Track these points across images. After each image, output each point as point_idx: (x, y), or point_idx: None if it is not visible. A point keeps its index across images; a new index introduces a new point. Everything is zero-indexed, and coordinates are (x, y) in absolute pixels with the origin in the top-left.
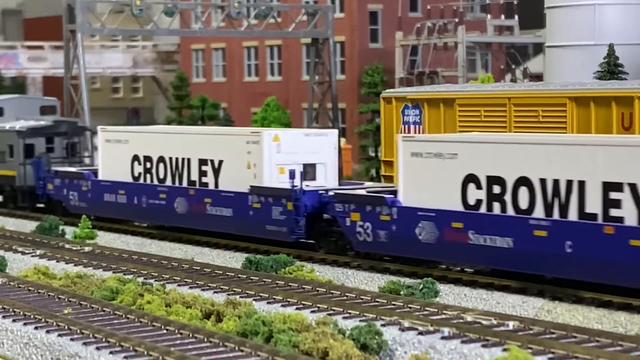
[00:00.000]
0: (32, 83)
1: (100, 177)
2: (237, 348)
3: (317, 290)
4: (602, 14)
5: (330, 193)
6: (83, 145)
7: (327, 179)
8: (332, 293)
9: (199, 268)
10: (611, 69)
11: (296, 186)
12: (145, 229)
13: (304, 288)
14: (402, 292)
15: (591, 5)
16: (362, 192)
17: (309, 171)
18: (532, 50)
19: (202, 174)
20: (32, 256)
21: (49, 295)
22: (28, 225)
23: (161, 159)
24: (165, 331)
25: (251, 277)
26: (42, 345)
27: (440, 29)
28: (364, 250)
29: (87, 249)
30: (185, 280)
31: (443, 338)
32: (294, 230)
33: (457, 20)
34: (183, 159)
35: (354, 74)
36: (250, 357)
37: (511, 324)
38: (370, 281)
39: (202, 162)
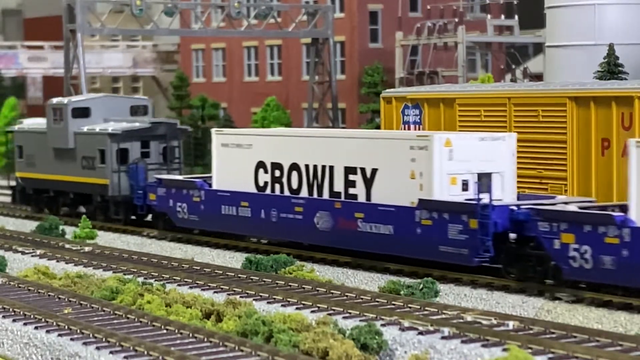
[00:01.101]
0: (32, 83)
1: (216, 186)
2: (237, 348)
3: (317, 290)
4: (602, 14)
5: (527, 208)
6: (180, 149)
7: (504, 191)
8: (332, 293)
9: (199, 268)
10: (611, 69)
11: (482, 199)
12: (145, 229)
13: (304, 288)
14: (402, 292)
15: (591, 5)
16: (575, 207)
17: (483, 182)
18: (532, 50)
19: (349, 184)
20: (32, 256)
21: (49, 295)
22: (28, 225)
23: (294, 167)
24: (165, 331)
25: (251, 277)
26: (42, 345)
27: (440, 29)
28: (579, 279)
29: (87, 249)
30: (185, 280)
31: (443, 338)
32: (478, 252)
33: (457, 20)
34: (324, 167)
35: (354, 74)
36: (250, 357)
37: (511, 324)
38: (370, 281)
39: (350, 170)
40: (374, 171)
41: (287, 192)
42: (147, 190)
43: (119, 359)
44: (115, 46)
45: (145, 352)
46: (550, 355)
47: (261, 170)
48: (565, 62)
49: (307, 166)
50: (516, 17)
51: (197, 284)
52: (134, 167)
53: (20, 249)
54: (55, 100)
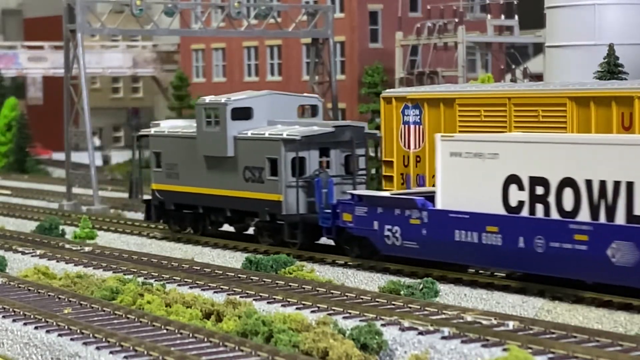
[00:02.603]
0: (32, 83)
1: (443, 205)
2: (237, 348)
3: (317, 290)
4: (602, 14)
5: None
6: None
7: None
8: (332, 293)
9: (199, 268)
10: (611, 69)
11: None
12: (145, 229)
13: (304, 288)
14: (402, 292)
15: (591, 5)
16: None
17: None
18: (532, 50)
19: None
20: (32, 256)
21: (49, 295)
22: (28, 225)
23: (568, 182)
24: (165, 331)
25: (251, 277)
26: (42, 345)
27: (440, 29)
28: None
29: (87, 249)
30: (185, 280)
31: (443, 338)
32: None
33: (457, 20)
34: (617, 184)
35: (354, 74)
36: (250, 357)
37: (511, 324)
38: (370, 281)
39: None
40: None
41: (555, 215)
42: (340, 210)
43: (119, 359)
44: (115, 46)
45: (145, 352)
46: (550, 355)
47: (513, 187)
48: (565, 62)
49: (589, 182)
50: (516, 17)
51: (197, 284)
52: (318, 180)
53: (20, 249)
54: (207, 98)
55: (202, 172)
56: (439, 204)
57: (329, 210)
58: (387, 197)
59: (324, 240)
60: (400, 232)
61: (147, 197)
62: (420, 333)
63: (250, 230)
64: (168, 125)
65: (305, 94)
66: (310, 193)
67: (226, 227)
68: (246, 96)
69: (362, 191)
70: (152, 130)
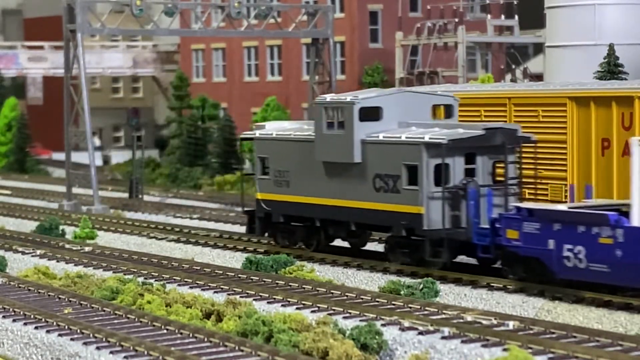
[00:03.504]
0: (32, 83)
1: None
2: (237, 348)
3: (317, 290)
4: (602, 14)
5: None
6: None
7: None
8: (332, 293)
9: (199, 268)
10: (611, 69)
11: None
12: (145, 229)
13: (304, 288)
14: (402, 292)
15: (591, 5)
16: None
17: None
18: (532, 50)
19: None
20: (32, 256)
21: (49, 295)
22: (28, 225)
23: None
24: (165, 331)
25: (251, 277)
26: (42, 345)
27: (441, 29)
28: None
29: (87, 249)
30: (185, 280)
31: (443, 338)
32: None
33: (457, 20)
34: None
35: (354, 74)
36: (250, 357)
37: (511, 324)
38: (370, 281)
39: None
40: None
41: None
42: (503, 225)
43: (119, 359)
44: (115, 46)
45: (145, 352)
46: (550, 355)
47: None
48: (565, 62)
49: None
50: (516, 17)
51: (197, 284)
52: (473, 190)
53: (20, 249)
54: (329, 97)
55: (320, 180)
56: (637, 221)
57: (487, 226)
58: (568, 211)
59: (461, 258)
60: (585, 253)
61: (247, 207)
62: (420, 333)
63: (369, 246)
64: (274, 127)
65: (439, 92)
66: (455, 205)
67: (338, 242)
68: (375, 94)
69: (533, 204)
70: (257, 133)
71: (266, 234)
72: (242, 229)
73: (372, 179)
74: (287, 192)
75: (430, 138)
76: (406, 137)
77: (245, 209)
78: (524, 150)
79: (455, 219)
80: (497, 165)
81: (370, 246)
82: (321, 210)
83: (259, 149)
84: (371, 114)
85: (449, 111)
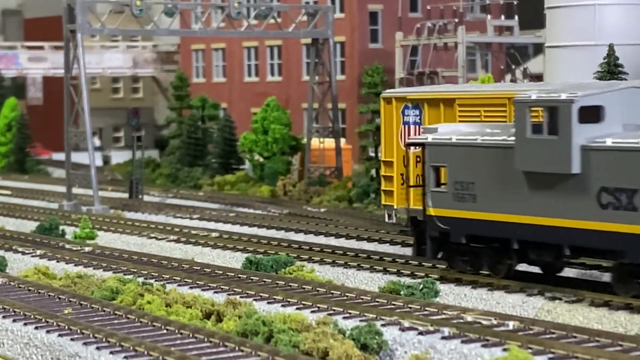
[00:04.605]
0: (32, 83)
1: None
2: (237, 348)
3: (317, 290)
4: (602, 14)
5: None
6: None
7: None
8: (332, 293)
9: (199, 268)
10: (611, 69)
11: None
12: (145, 229)
13: (304, 288)
14: (402, 292)
15: (591, 5)
16: None
17: None
18: (532, 51)
19: None
20: (32, 256)
21: (49, 295)
22: (28, 225)
23: None
24: (165, 331)
25: (251, 277)
26: (43, 345)
27: (440, 29)
28: None
29: (87, 249)
30: (185, 280)
31: (443, 338)
32: None
33: (457, 20)
34: None
35: (354, 74)
36: (250, 357)
37: (511, 324)
38: (370, 281)
39: None
40: None
41: None
42: None
43: (119, 359)
44: (115, 46)
45: (146, 352)
46: (550, 356)
47: None
48: (565, 62)
49: None
50: (516, 17)
51: (197, 284)
52: None
53: (20, 249)
54: (533, 93)
55: (520, 193)
56: None
57: None
58: None
59: None
60: None
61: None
62: (420, 333)
63: (369, 246)
64: (450, 131)
65: None
66: None
67: (523, 267)
68: (597, 90)
69: None
70: (429, 137)
71: (438, 257)
72: (242, 229)
73: (597, 194)
74: (473, 207)
75: None
76: None
77: (412, 226)
78: None
79: None
80: None
81: (370, 246)
82: (521, 230)
83: (431, 156)
84: (592, 114)
85: None
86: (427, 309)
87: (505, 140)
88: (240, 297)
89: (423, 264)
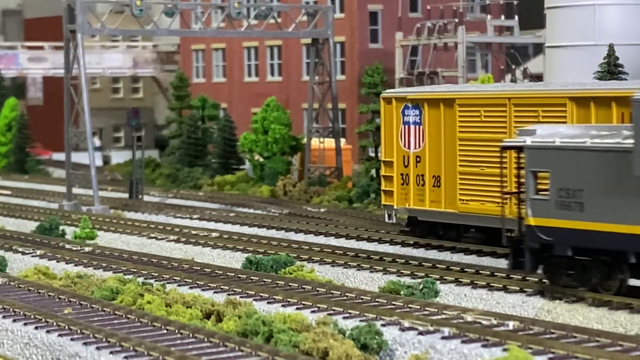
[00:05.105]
0: (32, 83)
1: None
2: (237, 348)
3: (317, 290)
4: (602, 14)
5: None
6: None
7: None
8: (332, 293)
9: (199, 268)
10: (611, 69)
11: None
12: (145, 229)
13: (304, 288)
14: (402, 292)
15: (591, 6)
16: None
17: None
18: (532, 51)
19: None
20: (32, 256)
21: (49, 295)
22: (28, 225)
23: None
24: (165, 331)
25: (251, 277)
26: (43, 345)
27: (440, 29)
28: None
29: (87, 249)
30: (185, 280)
31: (443, 338)
32: None
33: (457, 20)
34: None
35: (354, 74)
36: (250, 357)
37: (511, 324)
38: (370, 281)
39: None
40: None
41: None
42: None
43: (119, 359)
44: (115, 47)
45: (146, 352)
46: (550, 355)
47: None
48: (565, 62)
49: None
50: (516, 17)
51: (197, 284)
52: None
53: (20, 249)
54: None
55: (639, 202)
56: None
57: None
58: None
59: None
60: None
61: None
62: (420, 333)
63: (369, 246)
64: (551, 132)
65: None
66: None
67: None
68: None
69: None
70: (528, 140)
71: (538, 271)
72: (242, 229)
73: None
74: (581, 217)
75: None
76: None
77: (509, 235)
78: None
79: None
80: None
81: (370, 246)
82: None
83: (531, 160)
84: None
85: None
86: (427, 309)
87: (620, 144)
88: (240, 297)
89: (423, 264)
